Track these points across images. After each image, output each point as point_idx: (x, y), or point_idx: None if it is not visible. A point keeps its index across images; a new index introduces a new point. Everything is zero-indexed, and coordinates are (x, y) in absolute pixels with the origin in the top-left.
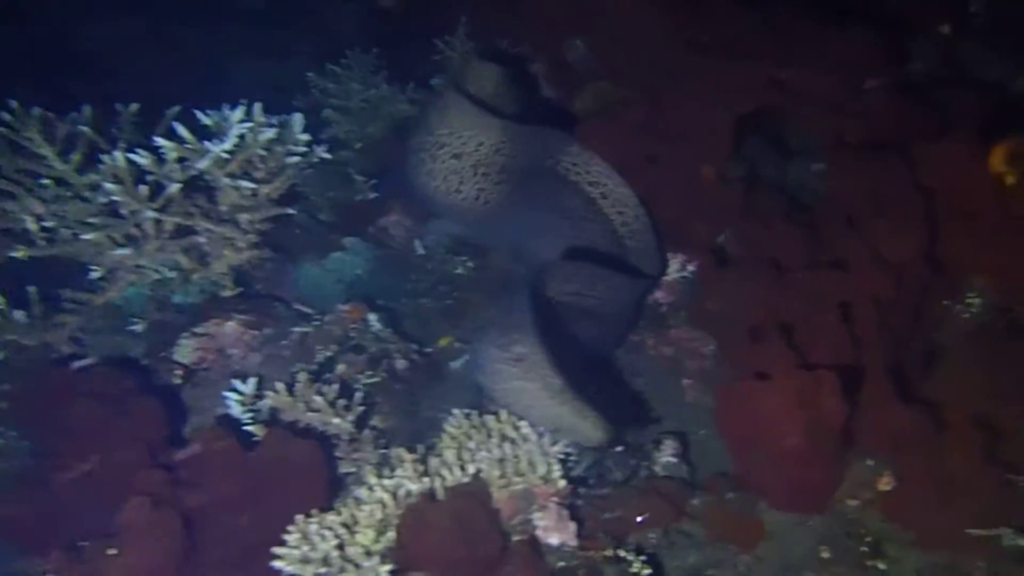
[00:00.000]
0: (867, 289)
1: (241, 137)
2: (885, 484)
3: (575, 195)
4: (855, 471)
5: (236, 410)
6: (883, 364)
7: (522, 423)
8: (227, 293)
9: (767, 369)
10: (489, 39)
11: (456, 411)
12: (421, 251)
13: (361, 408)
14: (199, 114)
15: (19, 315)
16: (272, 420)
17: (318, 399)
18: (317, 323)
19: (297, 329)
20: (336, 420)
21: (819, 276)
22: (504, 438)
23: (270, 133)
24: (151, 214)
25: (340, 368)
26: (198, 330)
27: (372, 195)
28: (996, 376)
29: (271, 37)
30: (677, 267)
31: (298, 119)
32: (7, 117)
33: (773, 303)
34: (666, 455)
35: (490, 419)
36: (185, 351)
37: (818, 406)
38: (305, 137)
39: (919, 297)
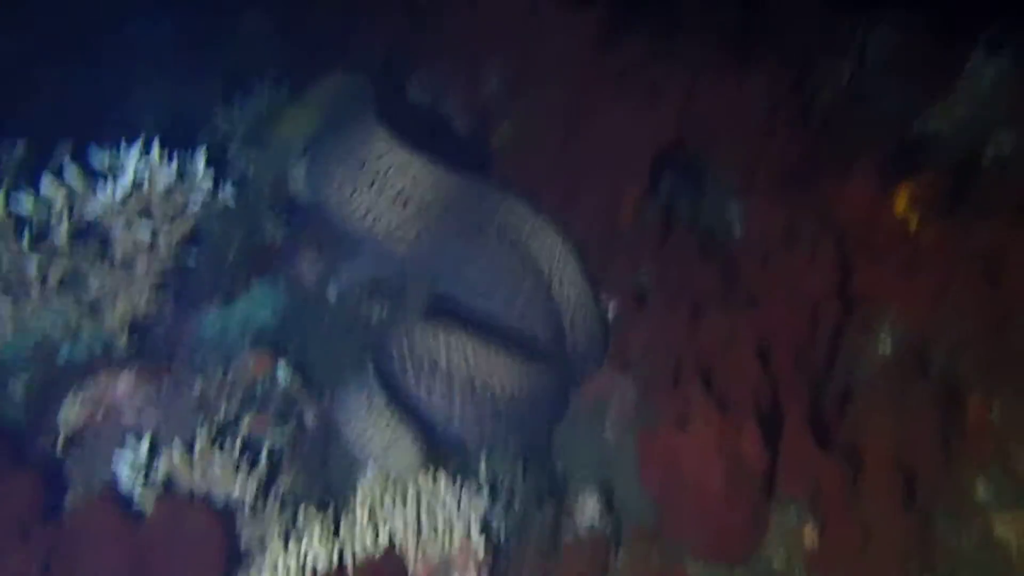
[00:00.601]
0: (782, 328)
1: (138, 179)
2: (809, 531)
3: (498, 239)
4: (780, 518)
5: (126, 475)
6: (801, 405)
7: (439, 478)
8: (121, 344)
9: (687, 413)
10: (403, 73)
11: (370, 468)
12: (334, 294)
13: (267, 468)
14: (92, 152)
15: None
16: (166, 485)
17: (218, 460)
18: (221, 375)
19: (199, 382)
20: (238, 483)
21: (735, 316)
22: (420, 497)
23: (171, 175)
24: (35, 263)
25: (244, 424)
26: (87, 386)
27: (282, 235)
28: (908, 418)
29: (175, 66)
30: None
31: (200, 157)
32: None
33: (692, 343)
34: (589, 505)
35: None
36: (71, 411)
37: (738, 452)
38: (210, 178)
39: (834, 336)
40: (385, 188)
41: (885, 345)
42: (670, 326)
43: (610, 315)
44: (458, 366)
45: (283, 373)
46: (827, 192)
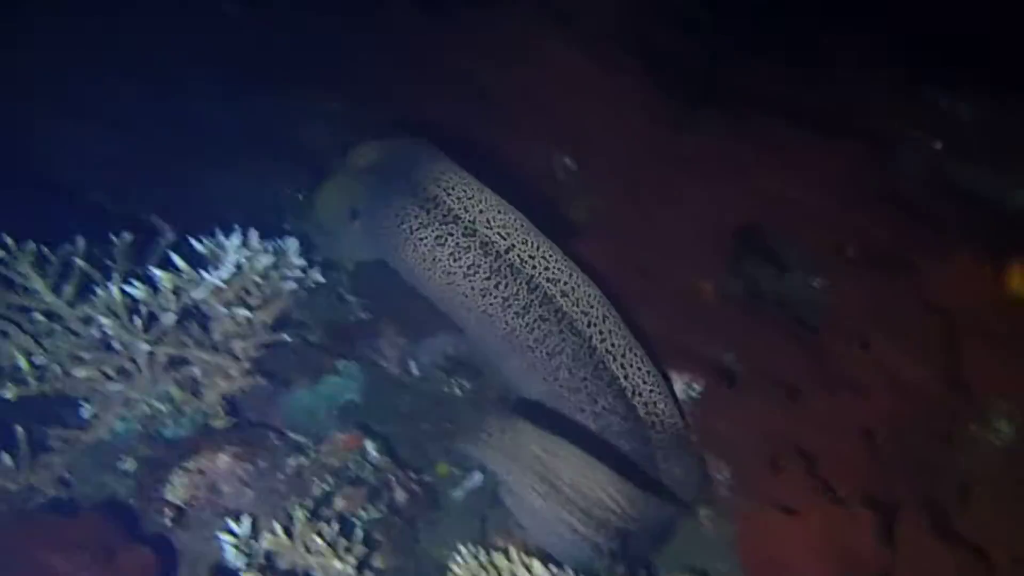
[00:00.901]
0: (887, 414)
1: (237, 265)
2: None
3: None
4: None
5: (231, 555)
6: (915, 497)
7: (534, 562)
8: (218, 423)
9: (791, 502)
10: (477, 158)
11: (462, 548)
12: (416, 372)
13: (362, 548)
14: (193, 241)
15: (6, 459)
16: (269, 565)
17: (318, 540)
18: (313, 454)
19: (292, 461)
20: (337, 563)
21: (836, 400)
22: None
23: (267, 260)
24: (146, 347)
25: (339, 503)
26: (189, 465)
27: (364, 315)
28: None
29: (250, 147)
30: (682, 387)
31: (293, 244)
32: (1, 253)
33: (789, 429)
34: None
35: (499, 557)
36: (176, 489)
37: (851, 544)
38: (301, 262)
39: (943, 422)
40: (439, 207)
41: (1002, 432)
42: (765, 408)
43: (694, 394)
44: (561, 477)
45: (373, 451)
46: (926, 272)
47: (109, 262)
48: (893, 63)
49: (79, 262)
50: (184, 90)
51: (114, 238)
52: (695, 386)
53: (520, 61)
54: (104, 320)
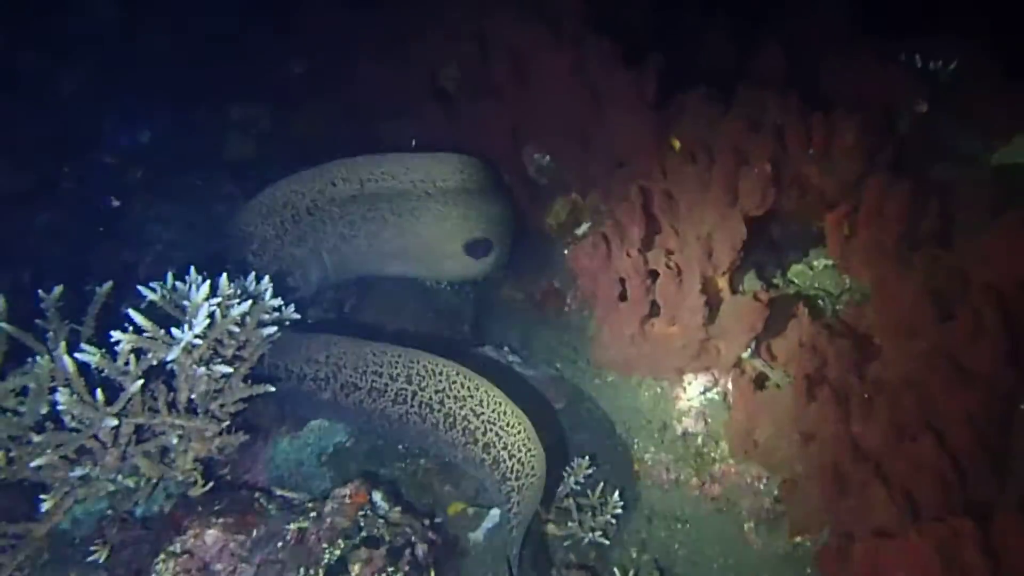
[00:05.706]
0: (956, 408)
1: (210, 317)
2: None
3: None
4: None
5: None
6: (1008, 498)
7: None
8: (197, 492)
9: (872, 521)
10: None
11: None
12: None
13: None
14: (143, 290)
15: None
16: None
17: None
18: (315, 514)
19: (293, 525)
20: None
21: (896, 396)
22: None
23: (243, 308)
24: (110, 421)
25: (355, 570)
26: (174, 547)
27: None
28: None
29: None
30: (699, 389)
31: (267, 284)
32: None
33: (847, 432)
34: None
35: None
36: None
37: (962, 565)
38: (276, 302)
39: (1013, 410)
40: None
41: None
42: (810, 410)
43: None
44: None
45: (382, 502)
46: (963, 249)
47: (39, 321)
48: (855, 23)
49: (5, 327)
50: None
51: (41, 292)
52: (715, 388)
53: (480, 50)
54: (60, 396)
